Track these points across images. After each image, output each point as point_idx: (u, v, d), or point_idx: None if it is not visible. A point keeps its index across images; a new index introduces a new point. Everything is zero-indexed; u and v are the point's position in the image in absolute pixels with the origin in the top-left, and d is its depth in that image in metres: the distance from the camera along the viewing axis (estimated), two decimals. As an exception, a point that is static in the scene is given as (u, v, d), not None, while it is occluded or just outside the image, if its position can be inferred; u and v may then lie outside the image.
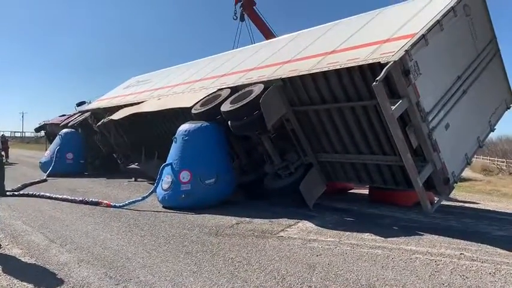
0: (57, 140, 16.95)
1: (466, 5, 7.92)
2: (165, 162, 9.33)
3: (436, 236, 6.44)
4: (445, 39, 7.44)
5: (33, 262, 5.29)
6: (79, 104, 21.09)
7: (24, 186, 12.20)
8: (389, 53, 6.83)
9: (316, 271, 4.90)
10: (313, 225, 7.19)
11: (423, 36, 6.93)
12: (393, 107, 6.54)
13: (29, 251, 5.73)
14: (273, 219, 7.60)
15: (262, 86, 8.67)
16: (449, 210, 8.94)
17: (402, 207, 8.87)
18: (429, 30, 7.05)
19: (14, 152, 29.63)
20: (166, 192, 8.86)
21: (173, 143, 9.37)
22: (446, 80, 7.60)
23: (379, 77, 6.42)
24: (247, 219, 7.67)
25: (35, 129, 28.32)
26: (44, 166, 16.13)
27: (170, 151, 9.40)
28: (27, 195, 10.56)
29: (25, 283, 4.56)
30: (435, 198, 7.79)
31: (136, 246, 5.95)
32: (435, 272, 4.88)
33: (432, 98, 7.19)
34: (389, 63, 6.52)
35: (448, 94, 7.53)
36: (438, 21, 7.20)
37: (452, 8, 7.49)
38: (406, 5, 9.03)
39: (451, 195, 9.12)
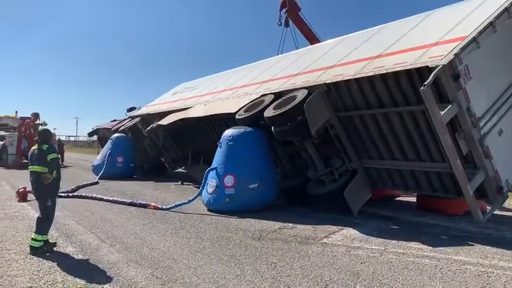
0: (108, 144, 17.67)
1: None
2: (210, 166, 9.53)
3: (488, 247, 6.16)
4: (498, 42, 7.14)
5: (85, 260, 5.57)
6: (129, 110, 21.76)
7: (78, 188, 12.85)
8: (438, 56, 6.64)
9: (360, 279, 4.83)
10: (358, 233, 7.08)
11: (474, 39, 6.69)
12: (442, 112, 6.35)
13: (82, 250, 6.04)
14: (316, 226, 7.56)
15: (305, 92, 8.67)
16: (502, 220, 8.49)
17: (452, 216, 8.52)
18: (481, 32, 6.79)
19: (69, 155, 31.22)
20: (211, 196, 9.04)
21: (218, 147, 9.54)
22: (499, 84, 7.28)
23: (427, 81, 6.26)
24: (290, 224, 7.67)
25: (88, 134, 29.40)
26: (95, 169, 16.88)
27: (215, 156, 9.58)
28: (80, 197, 11.12)
29: (78, 279, 4.81)
30: (487, 207, 7.45)
31: (182, 248, 6.11)
32: (486, 284, 4.67)
33: (484, 103, 6.92)
34: (438, 67, 6.35)
35: (501, 99, 7.21)
36: (491, 23, 6.91)
37: (506, 9, 7.17)
38: (457, 6, 8.72)
39: (505, 205, 8.70)
